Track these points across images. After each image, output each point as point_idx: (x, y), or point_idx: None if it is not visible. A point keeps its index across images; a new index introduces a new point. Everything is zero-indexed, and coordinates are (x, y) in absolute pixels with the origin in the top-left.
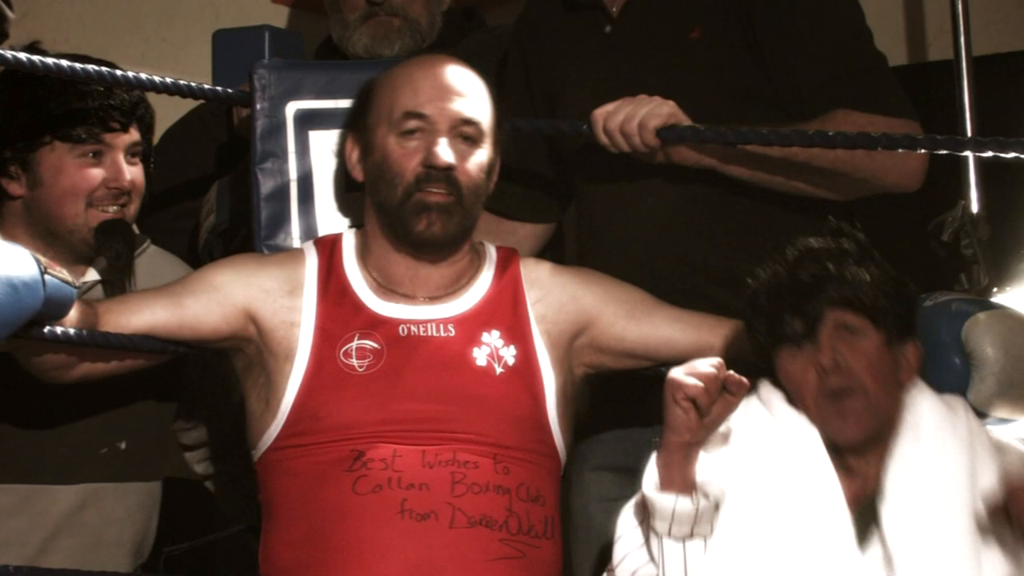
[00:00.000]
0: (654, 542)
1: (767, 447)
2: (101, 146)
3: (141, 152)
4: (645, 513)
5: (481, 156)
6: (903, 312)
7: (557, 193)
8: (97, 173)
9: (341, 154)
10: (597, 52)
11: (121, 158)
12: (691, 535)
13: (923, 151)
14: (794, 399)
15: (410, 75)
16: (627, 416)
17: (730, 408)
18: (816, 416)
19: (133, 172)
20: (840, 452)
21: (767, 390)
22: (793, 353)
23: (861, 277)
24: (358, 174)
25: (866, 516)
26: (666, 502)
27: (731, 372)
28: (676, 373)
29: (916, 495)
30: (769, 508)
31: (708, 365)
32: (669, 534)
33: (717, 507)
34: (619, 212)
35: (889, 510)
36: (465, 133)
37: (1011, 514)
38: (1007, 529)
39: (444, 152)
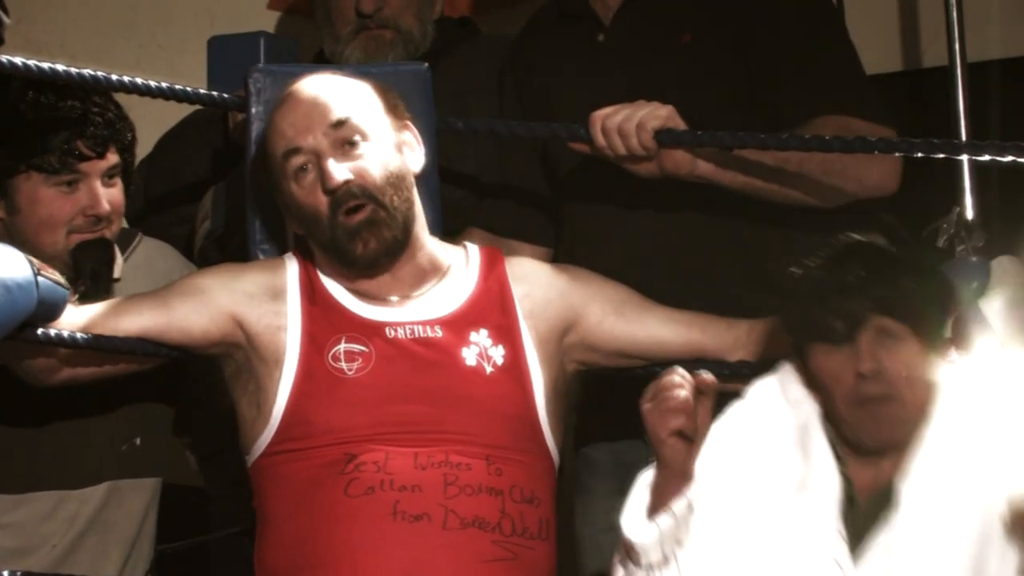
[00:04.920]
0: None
1: (773, 429)
2: (76, 175)
3: (120, 172)
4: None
5: (376, 147)
6: (944, 319)
7: (554, 216)
8: (73, 203)
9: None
10: (590, 61)
11: (97, 184)
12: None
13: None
14: (822, 394)
15: (274, 120)
16: (619, 425)
17: (710, 410)
18: (847, 417)
19: (111, 195)
20: (863, 451)
21: (786, 373)
22: (829, 351)
23: (907, 283)
24: (296, 228)
25: (878, 504)
26: (649, 532)
27: (697, 375)
28: (649, 410)
29: (933, 491)
30: (763, 488)
31: (675, 387)
32: (662, 555)
33: (691, 508)
34: (610, 236)
35: (907, 509)
36: (343, 137)
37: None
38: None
39: (331, 172)
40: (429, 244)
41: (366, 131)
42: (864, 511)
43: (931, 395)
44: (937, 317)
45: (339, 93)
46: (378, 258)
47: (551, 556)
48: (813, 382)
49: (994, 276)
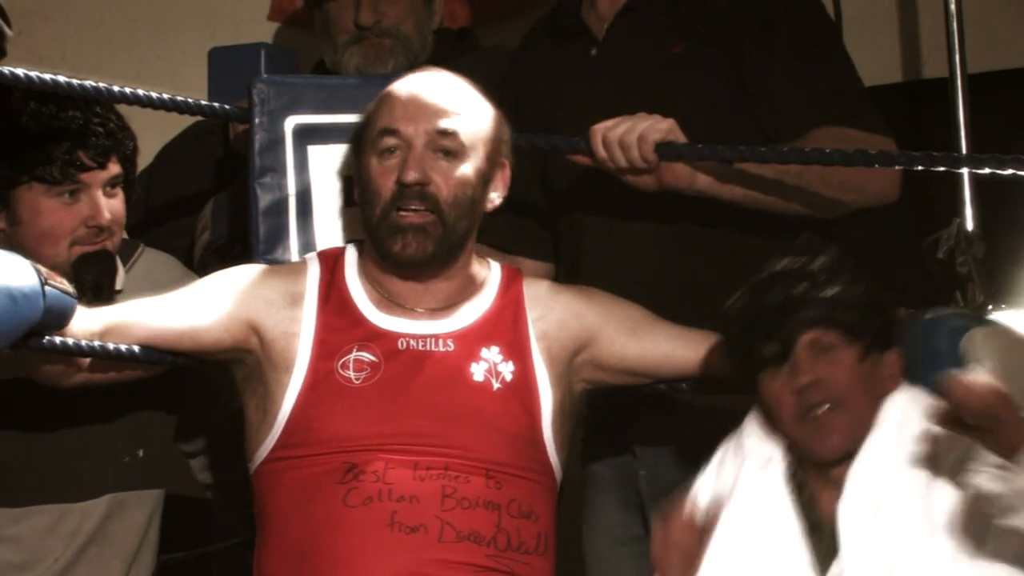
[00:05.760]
0: None
1: (731, 481)
2: (78, 185)
3: (121, 182)
4: None
5: (464, 169)
6: (878, 322)
7: (554, 231)
8: (75, 214)
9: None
10: (584, 75)
11: (99, 195)
12: None
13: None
14: (773, 421)
15: (391, 93)
16: (621, 440)
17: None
18: (797, 435)
19: (112, 205)
20: (820, 465)
21: (749, 420)
22: (772, 376)
23: (829, 294)
24: (357, 195)
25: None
26: None
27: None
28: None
29: (870, 493)
30: (732, 542)
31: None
32: None
33: None
34: (610, 250)
35: (844, 510)
36: (444, 147)
37: (959, 411)
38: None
39: (413, 168)
40: (470, 268)
41: (465, 151)
42: (830, 535)
43: (878, 399)
44: (870, 320)
45: (460, 105)
46: (410, 264)
47: (549, 572)
48: (767, 412)
49: (968, 351)
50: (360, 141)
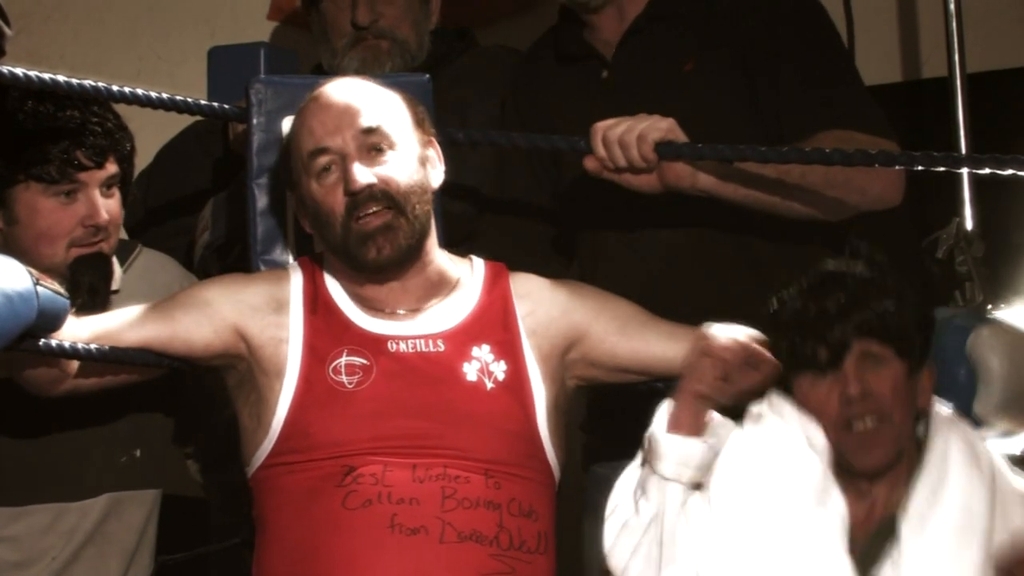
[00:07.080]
0: (653, 485)
1: (777, 451)
2: (75, 185)
3: (118, 182)
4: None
5: (402, 157)
6: (924, 339)
7: (554, 240)
8: (72, 214)
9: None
10: (595, 98)
11: (96, 194)
12: (692, 480)
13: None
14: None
15: (303, 118)
16: (628, 443)
17: (749, 381)
18: (837, 443)
19: (109, 205)
20: (853, 475)
21: (779, 401)
22: (815, 379)
23: (887, 306)
24: (307, 227)
25: (878, 540)
26: (672, 442)
27: (762, 350)
28: (714, 330)
29: (937, 529)
30: (771, 515)
31: (744, 335)
32: (671, 474)
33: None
34: (627, 255)
35: (909, 541)
36: (372, 144)
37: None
38: None
39: (356, 175)
40: (439, 258)
41: (394, 140)
42: (861, 548)
43: (915, 414)
44: (919, 338)
45: (371, 100)
46: (389, 264)
47: (550, 571)
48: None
49: (975, 350)
50: (292, 173)
